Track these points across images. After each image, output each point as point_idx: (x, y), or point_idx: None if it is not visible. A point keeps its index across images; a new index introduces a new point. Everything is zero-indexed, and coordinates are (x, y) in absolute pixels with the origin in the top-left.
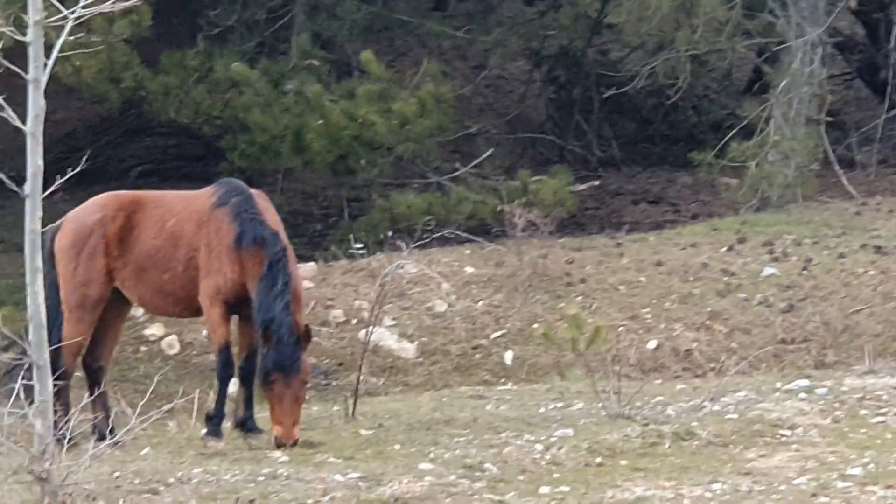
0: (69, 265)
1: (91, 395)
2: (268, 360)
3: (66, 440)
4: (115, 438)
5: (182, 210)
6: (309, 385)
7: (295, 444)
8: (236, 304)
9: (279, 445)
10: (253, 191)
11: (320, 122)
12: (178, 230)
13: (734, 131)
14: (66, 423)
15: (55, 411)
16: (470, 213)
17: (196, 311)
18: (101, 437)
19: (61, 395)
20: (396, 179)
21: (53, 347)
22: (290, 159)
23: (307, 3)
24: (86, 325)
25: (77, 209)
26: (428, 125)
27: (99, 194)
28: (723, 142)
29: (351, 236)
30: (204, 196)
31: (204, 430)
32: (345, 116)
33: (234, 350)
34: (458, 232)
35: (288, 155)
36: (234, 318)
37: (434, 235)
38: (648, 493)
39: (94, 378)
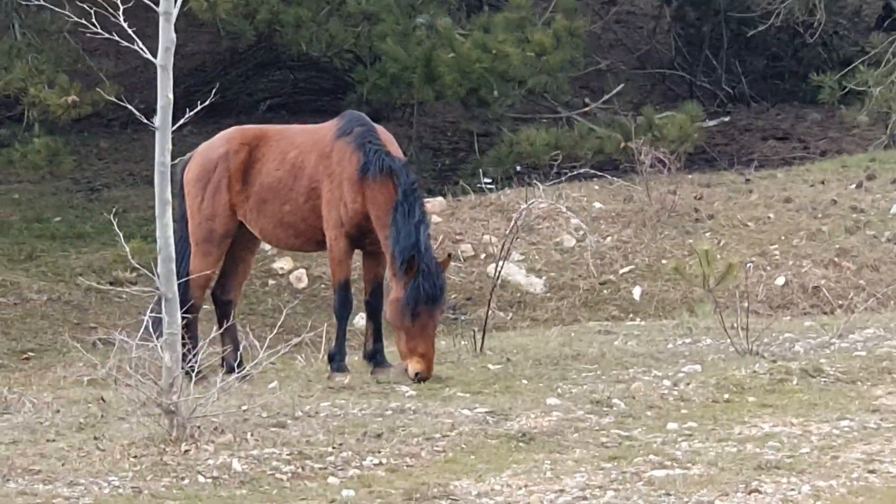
0: (196, 199)
1: (220, 328)
2: (415, 290)
3: (195, 373)
4: (243, 372)
5: (304, 142)
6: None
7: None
8: (358, 238)
9: (421, 380)
10: (376, 125)
11: (452, 55)
12: (300, 162)
13: (860, 61)
14: (193, 356)
15: (183, 344)
16: (597, 148)
17: (317, 245)
18: (230, 370)
19: (189, 329)
20: (526, 114)
21: (181, 281)
22: (422, 91)
23: None
24: (213, 259)
25: (205, 144)
26: (562, 58)
27: (227, 128)
28: (848, 68)
29: (480, 171)
30: (326, 128)
31: (329, 369)
32: (477, 48)
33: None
34: (588, 168)
35: (419, 87)
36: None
37: (570, 174)
38: (776, 430)
39: (223, 311)
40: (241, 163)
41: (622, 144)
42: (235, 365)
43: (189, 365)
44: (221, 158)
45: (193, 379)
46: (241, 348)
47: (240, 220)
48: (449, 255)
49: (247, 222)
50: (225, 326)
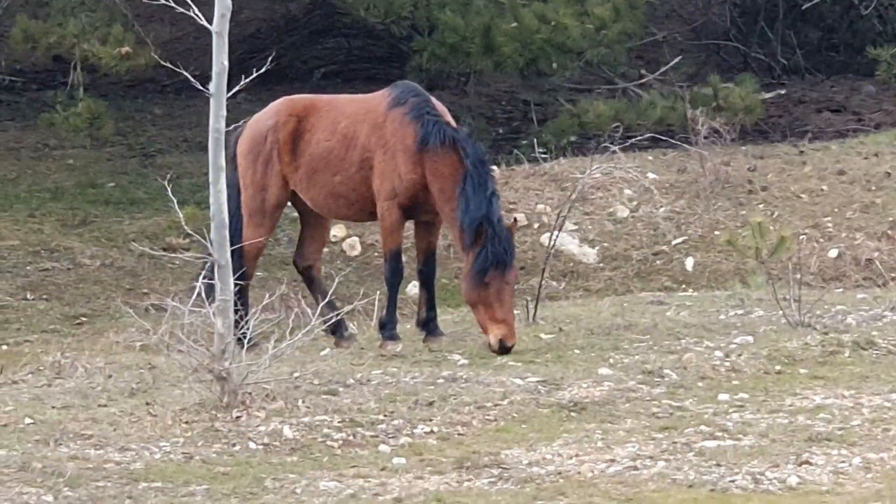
0: (247, 170)
1: (311, 293)
2: (485, 259)
3: (247, 340)
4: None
5: (355, 112)
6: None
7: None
8: (411, 209)
9: (503, 350)
10: (430, 96)
11: (514, 24)
12: (351, 132)
13: None
14: (245, 322)
15: (236, 311)
16: (659, 118)
17: (369, 215)
18: (332, 332)
19: (242, 296)
20: (581, 84)
21: (234, 248)
22: (480, 61)
23: None
24: (265, 229)
25: (257, 114)
26: (620, 31)
27: (281, 95)
28: None
29: (535, 140)
30: (378, 97)
31: (380, 337)
32: (537, 19)
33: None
34: (646, 137)
35: (477, 56)
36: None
37: (624, 144)
38: (827, 402)
39: (307, 278)
40: (290, 133)
41: (689, 115)
42: (334, 327)
43: (241, 331)
44: (270, 130)
45: (245, 346)
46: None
47: (293, 190)
48: (514, 219)
49: (299, 192)
50: (316, 291)
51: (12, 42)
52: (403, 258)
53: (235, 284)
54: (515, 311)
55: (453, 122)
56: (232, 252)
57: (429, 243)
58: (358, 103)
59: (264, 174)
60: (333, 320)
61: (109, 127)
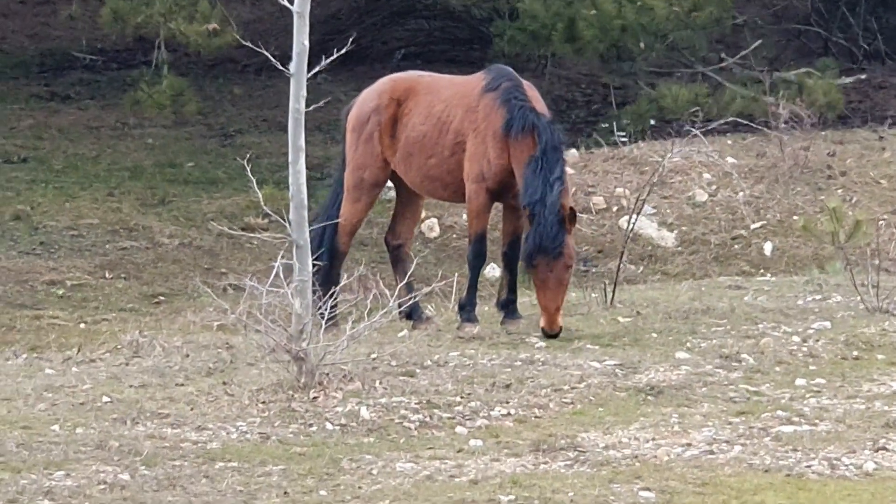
0: (351, 147)
1: (394, 272)
2: (530, 243)
3: (329, 316)
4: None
5: (451, 96)
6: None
7: (559, 332)
8: (499, 192)
9: (545, 336)
10: (522, 80)
11: (593, 12)
12: (446, 116)
13: None
14: (325, 301)
15: (314, 291)
16: (739, 103)
17: (464, 197)
18: (408, 317)
19: (333, 270)
20: (662, 68)
21: (331, 224)
22: (560, 46)
23: None
24: (361, 205)
25: (365, 91)
26: (708, 14)
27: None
28: None
29: (614, 124)
30: (473, 81)
31: (459, 318)
32: (616, 4)
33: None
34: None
35: (558, 42)
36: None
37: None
38: None
39: (395, 256)
40: (391, 116)
41: (771, 106)
42: (410, 311)
43: (333, 311)
44: (373, 111)
45: (324, 325)
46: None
47: (393, 170)
48: (572, 209)
49: (399, 173)
50: (400, 273)
51: (102, 22)
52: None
53: (326, 263)
54: (593, 295)
55: (544, 108)
56: (328, 227)
57: (515, 227)
58: (454, 87)
59: (365, 153)
60: (408, 304)
61: (193, 104)
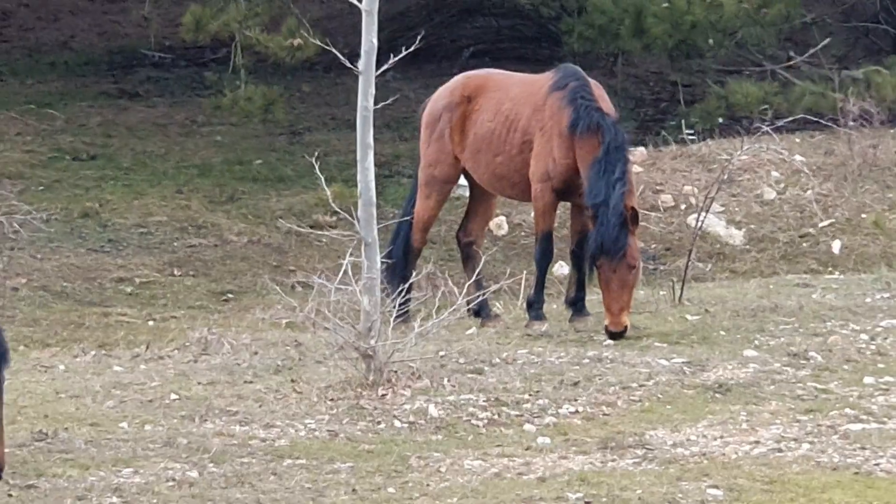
0: (423, 144)
1: (464, 269)
2: (592, 244)
3: (399, 312)
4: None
5: (519, 94)
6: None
7: (624, 331)
8: (565, 191)
9: (609, 335)
10: (590, 80)
11: (665, 5)
12: (513, 114)
13: None
14: (394, 297)
15: (383, 288)
16: (808, 100)
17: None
18: (476, 314)
19: (407, 265)
20: (730, 66)
21: (404, 220)
22: (629, 42)
23: None
24: (433, 202)
25: (440, 89)
26: (779, 12)
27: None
28: None
29: (682, 121)
30: (541, 80)
31: (527, 316)
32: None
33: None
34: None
35: (627, 38)
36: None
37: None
38: None
39: (465, 254)
40: (462, 114)
41: (840, 102)
42: (478, 308)
43: (403, 308)
44: (445, 109)
45: (393, 322)
46: (483, 292)
47: (464, 168)
48: (633, 209)
49: (469, 170)
50: (471, 270)
51: (182, 29)
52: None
53: (402, 255)
54: (661, 293)
55: (610, 107)
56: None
57: (583, 225)
58: (523, 85)
59: (436, 150)
60: (476, 302)
61: (282, 112)
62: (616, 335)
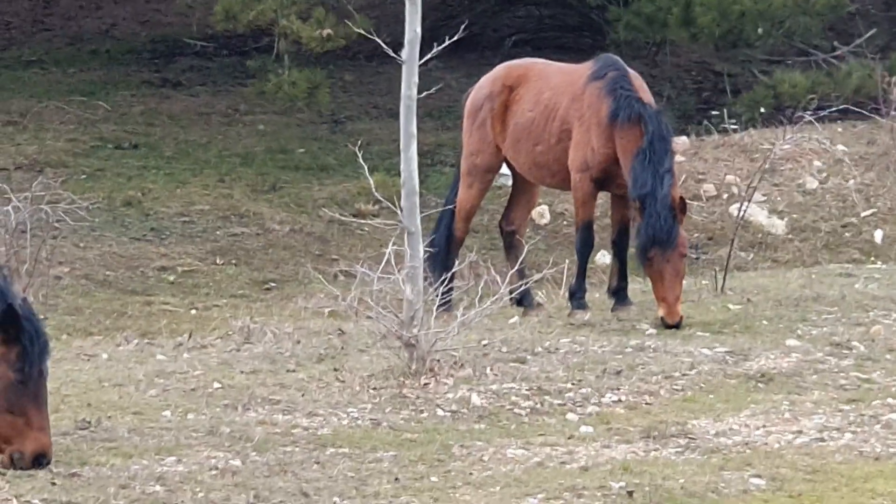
0: (466, 133)
1: (507, 258)
2: (643, 236)
3: (442, 301)
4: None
5: (558, 84)
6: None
7: (680, 322)
8: (603, 181)
9: (666, 327)
10: (629, 70)
11: None
12: (553, 103)
13: None
14: (437, 287)
15: (425, 277)
16: (855, 90)
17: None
18: (519, 303)
19: (449, 255)
20: (773, 56)
21: (447, 209)
22: (676, 31)
23: None
24: (474, 191)
25: (483, 78)
26: (828, 1)
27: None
28: None
29: (725, 111)
30: (581, 70)
31: (569, 305)
32: None
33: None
34: (839, 106)
35: (675, 27)
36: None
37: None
38: None
39: (507, 242)
40: (503, 104)
41: (882, 86)
42: (521, 297)
43: (446, 297)
44: (487, 98)
45: (436, 310)
46: (525, 280)
47: (506, 157)
48: (682, 198)
49: (510, 159)
50: (513, 258)
51: (214, 19)
52: (596, 227)
53: (444, 244)
54: (704, 282)
55: (650, 97)
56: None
57: (623, 215)
58: (563, 75)
59: (478, 139)
60: (519, 291)
61: (325, 97)
62: (674, 326)
